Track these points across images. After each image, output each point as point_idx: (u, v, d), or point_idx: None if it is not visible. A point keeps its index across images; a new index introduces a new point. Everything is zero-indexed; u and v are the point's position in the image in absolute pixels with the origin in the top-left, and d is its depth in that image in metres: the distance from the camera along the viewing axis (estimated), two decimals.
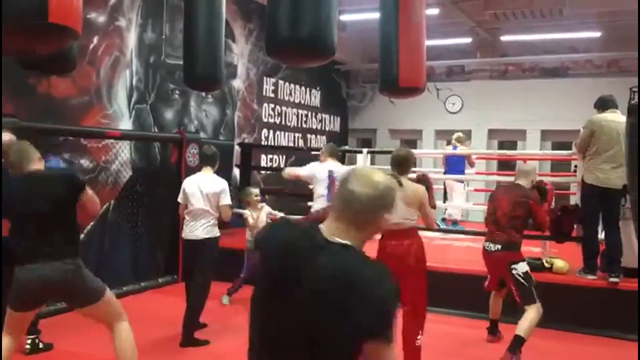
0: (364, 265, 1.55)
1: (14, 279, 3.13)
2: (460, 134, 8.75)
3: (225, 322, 5.11)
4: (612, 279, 5.20)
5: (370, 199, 1.61)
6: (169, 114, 7.49)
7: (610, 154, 5.19)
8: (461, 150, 8.47)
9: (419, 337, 4.01)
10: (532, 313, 4.33)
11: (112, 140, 6.29)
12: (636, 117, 3.35)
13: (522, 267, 4.43)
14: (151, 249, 6.71)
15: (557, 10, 8.28)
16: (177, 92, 7.55)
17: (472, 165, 8.63)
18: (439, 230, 8.06)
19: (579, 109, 8.31)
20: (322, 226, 1.64)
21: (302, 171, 6.05)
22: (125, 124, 6.72)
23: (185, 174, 6.53)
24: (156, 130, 7.22)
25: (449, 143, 9.15)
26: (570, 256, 5.82)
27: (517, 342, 4.26)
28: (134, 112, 6.89)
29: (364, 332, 1.48)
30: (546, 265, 5.60)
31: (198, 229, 4.69)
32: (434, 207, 4.27)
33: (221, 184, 4.75)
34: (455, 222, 8.47)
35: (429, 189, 4.23)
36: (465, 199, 8.72)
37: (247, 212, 5.96)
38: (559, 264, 5.65)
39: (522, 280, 4.39)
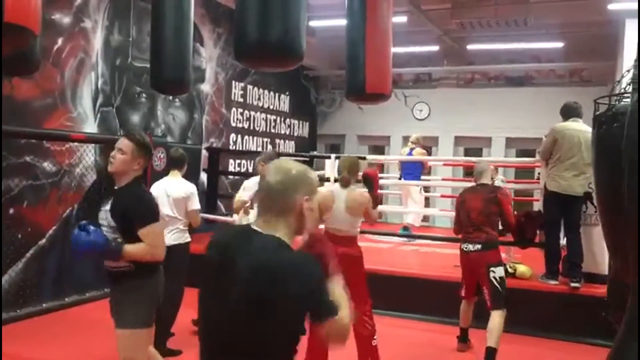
0: (285, 251, 1.69)
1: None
2: (417, 136, 8.70)
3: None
4: (573, 284, 5.31)
5: (281, 183, 1.74)
6: (135, 118, 7.39)
7: (572, 162, 5.32)
8: (417, 153, 8.50)
9: (375, 337, 4.07)
10: (498, 319, 4.39)
11: (76, 144, 6.17)
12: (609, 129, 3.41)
13: (499, 272, 4.50)
14: None
15: (522, 20, 8.45)
16: (144, 95, 7.46)
17: (427, 169, 8.61)
18: (402, 235, 8.12)
19: (543, 117, 8.49)
20: (253, 223, 1.78)
21: (245, 195, 5.28)
22: (90, 127, 6.61)
23: (151, 178, 6.44)
24: (122, 133, 7.10)
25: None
26: (533, 262, 5.94)
27: (491, 355, 4.32)
28: (99, 115, 6.77)
29: (300, 308, 1.64)
30: (510, 270, 5.69)
31: (167, 236, 4.52)
32: (376, 202, 4.29)
33: (189, 189, 4.64)
34: (406, 228, 8.35)
35: (373, 186, 4.29)
36: (422, 204, 8.69)
37: (234, 218, 5.85)
38: (522, 269, 5.75)
39: (497, 284, 4.46)
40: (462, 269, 4.78)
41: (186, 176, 4.84)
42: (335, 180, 4.38)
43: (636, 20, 7.11)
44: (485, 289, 4.52)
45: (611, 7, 7.82)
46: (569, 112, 5.54)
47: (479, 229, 4.58)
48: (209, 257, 1.78)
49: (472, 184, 4.99)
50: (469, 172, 9.84)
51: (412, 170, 8.35)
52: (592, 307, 5.20)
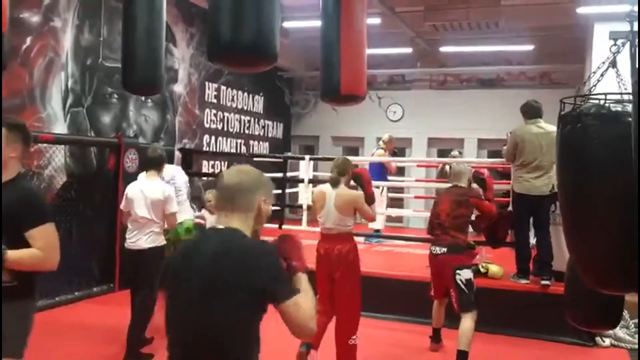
0: (243, 237, 1.85)
1: None
2: (385, 137, 8.69)
3: None
4: (543, 282, 5.40)
5: (240, 184, 1.89)
6: (106, 118, 7.28)
7: (535, 165, 5.41)
8: (377, 154, 8.51)
9: (353, 336, 4.08)
10: (468, 322, 4.41)
11: (45, 145, 6.05)
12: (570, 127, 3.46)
13: (465, 274, 4.49)
14: (86, 257, 6.48)
15: (493, 23, 8.57)
16: (115, 95, 7.36)
17: (391, 172, 8.58)
18: (371, 236, 8.13)
19: (514, 118, 8.53)
20: (215, 224, 1.91)
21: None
22: (60, 127, 6.49)
23: (123, 180, 6.37)
24: (92, 134, 7.00)
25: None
26: (504, 261, 6.01)
27: (462, 358, 4.36)
28: (69, 116, 6.66)
29: (262, 294, 1.75)
30: (482, 270, 5.76)
31: (141, 238, 4.46)
32: (371, 199, 4.37)
33: (167, 191, 4.54)
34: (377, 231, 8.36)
35: (363, 185, 4.36)
36: (383, 207, 8.67)
37: (203, 215, 5.80)
38: (494, 269, 5.82)
39: (463, 287, 4.46)
40: (430, 270, 4.81)
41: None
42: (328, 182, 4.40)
43: (603, 24, 7.26)
44: (452, 292, 4.53)
45: (580, 11, 7.96)
46: (530, 111, 5.61)
47: (446, 232, 4.60)
48: (172, 261, 1.92)
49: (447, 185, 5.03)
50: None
51: (373, 172, 8.41)
52: (560, 305, 5.30)
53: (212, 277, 1.76)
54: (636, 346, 5.11)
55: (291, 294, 1.77)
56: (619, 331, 5.21)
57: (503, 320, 5.41)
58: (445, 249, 4.56)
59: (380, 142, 8.73)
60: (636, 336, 5.26)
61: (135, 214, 4.48)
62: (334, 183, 4.28)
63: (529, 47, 10.23)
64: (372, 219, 4.55)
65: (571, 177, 2.70)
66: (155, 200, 4.47)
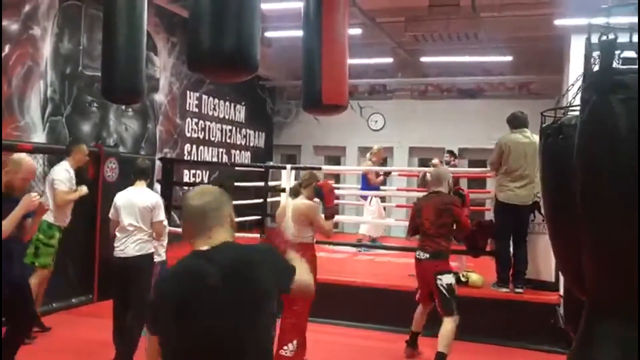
0: (243, 244, 1.94)
1: None
2: (376, 147, 8.83)
3: None
4: (517, 290, 5.51)
5: (214, 202, 1.94)
6: (86, 127, 7.22)
7: (519, 173, 5.47)
8: (365, 164, 8.60)
9: (285, 347, 4.09)
10: (449, 325, 4.48)
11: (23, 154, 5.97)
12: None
13: (446, 279, 4.59)
14: (65, 267, 6.38)
15: (473, 34, 8.66)
16: (95, 104, 7.31)
17: (371, 182, 8.57)
18: (358, 245, 8.17)
19: (493, 128, 8.68)
20: (196, 248, 1.90)
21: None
22: (39, 136, 6.43)
23: (102, 189, 6.32)
24: None
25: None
26: (485, 270, 6.05)
27: (441, 359, 4.38)
28: (47, 125, 6.60)
29: (275, 282, 1.87)
30: (462, 279, 5.79)
31: (129, 246, 4.44)
32: (332, 213, 4.44)
33: (155, 199, 4.56)
34: (374, 240, 8.49)
35: (323, 198, 4.42)
36: (375, 215, 8.74)
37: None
38: (474, 277, 5.85)
39: (445, 292, 4.55)
40: (416, 275, 4.89)
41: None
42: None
43: (580, 36, 7.39)
44: (435, 297, 4.63)
45: (558, 22, 8.10)
46: (516, 121, 5.69)
47: (431, 238, 4.69)
48: (173, 291, 1.83)
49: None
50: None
51: (363, 183, 8.56)
52: (541, 313, 5.35)
53: (237, 284, 1.80)
54: None
55: (294, 271, 1.96)
56: None
57: (483, 328, 5.43)
58: (428, 255, 4.67)
59: (368, 154, 8.81)
60: None
61: (124, 221, 4.47)
62: (293, 194, 4.46)
63: (508, 58, 10.37)
64: (326, 234, 4.54)
65: (554, 186, 2.74)
66: (144, 208, 4.48)
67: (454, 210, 4.68)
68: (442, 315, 4.57)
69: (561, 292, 5.03)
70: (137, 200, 4.50)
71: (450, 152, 9.81)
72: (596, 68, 2.38)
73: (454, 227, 4.76)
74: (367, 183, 8.49)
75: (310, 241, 4.40)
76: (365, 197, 8.56)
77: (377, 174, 8.57)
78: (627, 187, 2.16)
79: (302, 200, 4.43)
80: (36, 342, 4.86)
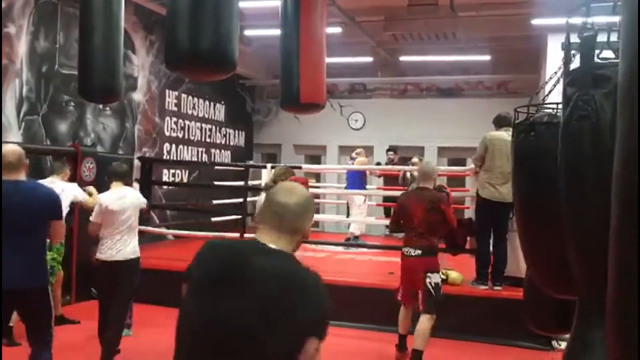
0: (301, 269, 1.75)
1: None
2: (359, 150, 9.03)
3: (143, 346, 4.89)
4: (495, 287, 5.56)
5: (300, 206, 1.82)
6: (62, 127, 7.13)
7: (501, 171, 5.52)
8: (358, 163, 8.69)
9: None
10: (426, 323, 4.48)
11: None
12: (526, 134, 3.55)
13: (435, 278, 4.58)
14: None
15: (451, 34, 8.73)
16: (72, 103, 7.21)
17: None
18: (343, 244, 8.21)
19: (472, 127, 8.77)
20: (258, 238, 1.79)
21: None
22: (14, 136, 6.32)
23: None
24: (48, 143, 6.84)
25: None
26: (463, 268, 6.10)
27: (417, 357, 4.40)
28: (23, 124, 6.50)
29: (306, 331, 1.64)
30: (442, 277, 5.81)
31: (127, 249, 4.41)
32: None
33: (141, 197, 4.60)
34: (356, 237, 8.57)
35: None
36: (365, 213, 8.85)
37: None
38: (454, 275, 5.89)
39: (432, 290, 4.53)
40: (401, 272, 4.82)
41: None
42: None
43: (556, 36, 7.48)
44: (419, 293, 4.59)
45: (534, 22, 8.19)
46: (501, 121, 5.75)
47: (421, 235, 4.64)
48: (210, 261, 1.77)
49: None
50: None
51: (353, 180, 8.57)
52: (519, 310, 5.40)
53: (266, 292, 1.66)
54: None
55: (323, 334, 1.70)
56: None
57: (462, 325, 5.47)
58: (420, 251, 4.61)
59: (354, 154, 8.95)
60: None
61: (120, 224, 4.41)
62: (267, 190, 4.42)
63: (486, 58, 10.46)
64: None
65: (525, 184, 2.76)
66: (137, 206, 4.51)
67: (442, 207, 4.68)
68: (421, 311, 4.54)
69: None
70: (130, 199, 4.47)
71: (392, 150, 9.94)
72: (575, 65, 2.41)
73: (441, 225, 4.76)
74: (362, 181, 8.55)
75: None
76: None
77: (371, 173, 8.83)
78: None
79: None
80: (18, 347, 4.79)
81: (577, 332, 2.45)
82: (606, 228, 2.20)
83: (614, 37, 2.24)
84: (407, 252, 4.71)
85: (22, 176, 3.43)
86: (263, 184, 7.22)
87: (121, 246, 4.41)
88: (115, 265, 4.40)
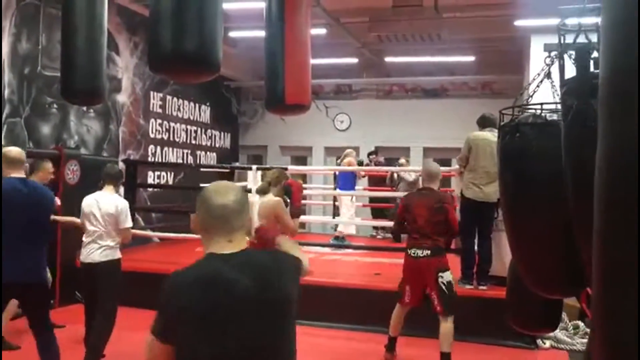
0: (264, 253, 1.95)
1: None
2: (348, 151, 9.05)
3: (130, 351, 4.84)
4: (480, 287, 5.59)
5: (239, 204, 1.80)
6: (45, 129, 7.06)
7: (485, 171, 5.54)
8: (344, 163, 8.71)
9: None
10: (450, 324, 4.48)
11: None
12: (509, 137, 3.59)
13: (447, 276, 4.54)
14: None
15: (436, 35, 8.78)
16: (55, 105, 7.15)
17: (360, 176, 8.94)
18: (330, 245, 8.20)
19: (457, 127, 8.82)
20: (212, 251, 1.76)
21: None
22: None
23: (63, 192, 6.17)
24: (31, 145, 6.76)
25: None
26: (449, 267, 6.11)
27: (448, 359, 4.42)
28: (5, 127, 6.42)
29: (295, 291, 1.80)
30: (453, 281, 5.82)
31: (95, 252, 4.35)
32: (298, 213, 4.44)
33: (121, 204, 4.45)
34: (342, 238, 8.55)
35: (291, 197, 4.41)
36: (353, 212, 8.87)
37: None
38: None
39: (445, 289, 4.49)
40: (407, 275, 4.71)
41: (95, 189, 4.64)
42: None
43: (539, 37, 7.55)
44: (434, 294, 4.52)
45: (518, 23, 8.26)
46: (485, 122, 5.78)
47: (427, 235, 4.58)
48: (197, 299, 1.69)
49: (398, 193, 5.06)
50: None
51: (343, 181, 8.63)
52: (504, 309, 5.43)
53: (269, 299, 1.72)
54: (575, 347, 5.29)
55: (301, 267, 1.94)
56: (559, 333, 5.38)
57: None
58: (428, 252, 4.55)
59: (347, 157, 8.95)
60: (575, 337, 5.45)
61: (89, 226, 4.38)
62: (261, 192, 4.45)
63: (471, 58, 10.53)
64: (291, 232, 4.46)
65: (511, 184, 2.78)
66: (110, 214, 4.39)
67: (446, 208, 4.65)
68: (440, 312, 4.50)
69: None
70: (103, 205, 4.40)
71: (373, 153, 10.02)
72: (567, 70, 2.42)
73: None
74: (352, 182, 8.60)
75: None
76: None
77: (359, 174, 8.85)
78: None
79: (270, 197, 4.41)
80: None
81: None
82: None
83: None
84: (414, 253, 4.62)
85: (23, 175, 3.68)
86: (255, 188, 7.20)
87: (93, 249, 4.37)
88: (90, 267, 4.38)
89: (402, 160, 9.44)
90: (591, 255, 2.33)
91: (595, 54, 2.29)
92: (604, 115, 1.42)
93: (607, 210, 1.39)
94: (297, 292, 1.81)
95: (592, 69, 2.32)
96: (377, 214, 10.03)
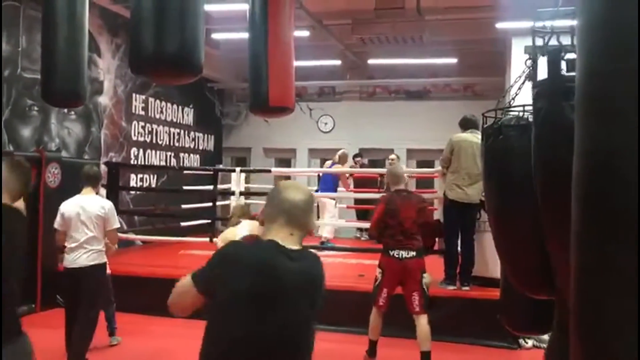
0: (320, 268, 1.98)
1: None
2: (344, 152, 9.12)
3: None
4: (463, 288, 5.63)
5: (306, 204, 1.95)
6: (26, 132, 6.98)
7: (467, 172, 5.59)
8: (336, 168, 8.73)
9: None
10: (426, 321, 4.55)
11: None
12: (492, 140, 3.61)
13: (427, 277, 4.66)
14: (4, 276, 6.15)
15: (418, 37, 8.82)
16: (36, 108, 7.07)
17: (345, 185, 8.93)
18: (314, 248, 8.21)
19: (440, 129, 8.86)
20: (274, 239, 1.90)
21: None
22: None
23: (44, 195, 6.11)
24: (11, 148, 6.68)
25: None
26: (432, 268, 6.13)
27: (428, 358, 4.46)
28: None
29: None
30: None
31: (82, 257, 4.29)
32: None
33: (107, 206, 4.41)
34: (327, 241, 8.57)
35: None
36: (337, 217, 8.90)
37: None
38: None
39: (426, 289, 4.61)
40: (388, 276, 4.68)
41: (78, 193, 4.59)
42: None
43: (520, 39, 7.62)
44: (415, 294, 4.57)
45: (499, 26, 8.33)
46: (467, 123, 5.83)
47: (412, 237, 4.63)
48: (247, 276, 1.83)
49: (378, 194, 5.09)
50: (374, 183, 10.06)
51: (327, 184, 8.65)
52: (487, 310, 5.48)
53: (307, 296, 1.91)
54: None
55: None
56: None
57: (431, 325, 5.50)
58: (414, 253, 4.60)
59: (336, 157, 8.99)
60: None
61: (75, 231, 4.31)
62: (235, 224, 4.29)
63: (453, 60, 10.59)
64: None
65: (495, 186, 2.80)
66: (97, 216, 4.34)
67: (428, 207, 4.74)
68: (418, 313, 4.56)
69: None
70: (88, 208, 4.34)
71: (358, 155, 10.07)
72: (539, 72, 2.45)
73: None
74: (335, 186, 8.64)
75: None
76: (332, 199, 8.68)
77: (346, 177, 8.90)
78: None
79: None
80: None
81: (559, 320, 2.51)
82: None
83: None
84: (398, 255, 4.62)
85: None
86: (238, 192, 7.16)
87: (81, 255, 4.32)
88: (76, 272, 4.32)
89: (393, 156, 9.46)
90: (555, 254, 2.39)
91: (568, 56, 2.32)
92: (581, 117, 1.44)
93: (584, 212, 1.41)
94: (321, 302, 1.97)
95: (565, 71, 2.35)
96: (362, 215, 10.06)
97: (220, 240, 4.42)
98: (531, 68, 2.82)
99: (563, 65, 2.34)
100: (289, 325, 1.86)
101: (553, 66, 2.34)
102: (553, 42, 2.48)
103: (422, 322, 4.52)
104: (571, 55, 2.33)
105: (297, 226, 1.92)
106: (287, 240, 1.90)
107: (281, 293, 1.85)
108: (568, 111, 2.22)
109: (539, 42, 2.60)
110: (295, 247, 1.91)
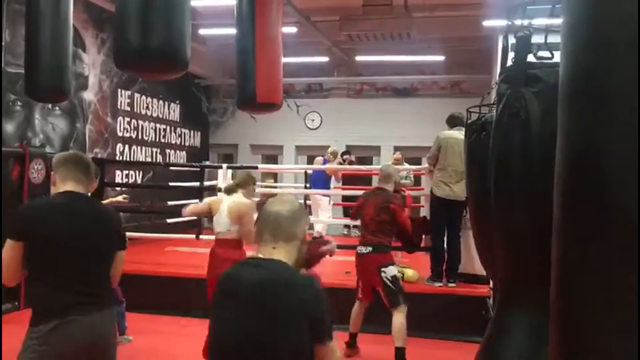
0: (290, 273, 1.87)
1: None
2: (334, 149, 9.13)
3: None
4: (450, 284, 5.66)
5: (291, 213, 1.92)
6: (9, 127, 6.89)
7: (454, 169, 5.61)
8: (329, 165, 8.73)
9: None
10: (400, 317, 4.52)
11: None
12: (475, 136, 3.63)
13: (390, 271, 4.62)
14: None
15: (406, 34, 8.83)
16: (19, 103, 6.98)
17: (337, 178, 8.97)
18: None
19: (427, 126, 8.90)
20: (260, 254, 1.92)
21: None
22: None
23: (28, 191, 6.04)
24: None
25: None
26: (419, 265, 6.17)
27: (401, 354, 4.45)
28: None
29: (314, 331, 1.83)
30: (398, 275, 5.87)
31: None
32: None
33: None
34: (320, 238, 8.58)
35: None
36: (331, 214, 8.90)
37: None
38: (409, 273, 5.96)
39: (390, 284, 4.57)
40: (357, 271, 4.89)
41: None
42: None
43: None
44: (380, 290, 4.62)
45: (486, 23, 8.36)
46: (454, 121, 5.85)
47: (372, 233, 4.71)
48: (219, 290, 1.93)
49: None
50: (364, 180, 10.06)
51: (320, 182, 8.65)
52: (473, 306, 5.51)
53: (257, 302, 1.81)
54: None
55: (329, 336, 1.87)
56: None
57: (418, 322, 5.50)
58: (370, 248, 4.67)
59: (328, 154, 9.00)
60: None
61: None
62: (227, 191, 4.44)
63: (441, 58, 10.62)
64: (249, 239, 4.33)
65: (477, 182, 2.81)
66: None
67: (392, 208, 4.72)
68: (390, 308, 4.57)
69: (491, 284, 5.19)
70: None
71: (347, 153, 10.10)
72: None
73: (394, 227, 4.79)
74: (328, 183, 8.66)
75: (238, 238, 4.35)
76: (327, 196, 8.66)
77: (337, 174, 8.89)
78: (537, 175, 2.25)
79: (240, 198, 4.34)
80: None
81: (495, 317, 2.54)
82: (530, 218, 2.32)
83: (551, 39, 2.32)
84: (359, 250, 4.79)
85: None
86: (223, 186, 7.13)
87: None
88: None
89: (398, 155, 9.47)
90: (504, 241, 2.44)
91: (536, 45, 2.35)
92: (565, 113, 1.44)
93: (567, 209, 1.42)
94: (315, 318, 1.83)
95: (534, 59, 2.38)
96: (349, 213, 10.10)
97: (205, 201, 4.66)
98: (504, 55, 2.83)
99: (536, 57, 2.37)
100: (252, 329, 1.81)
101: (519, 52, 2.36)
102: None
103: (396, 318, 4.53)
104: (540, 40, 2.37)
105: (282, 238, 1.91)
106: (269, 254, 1.90)
107: (242, 299, 1.84)
108: (528, 97, 2.26)
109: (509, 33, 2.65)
110: (274, 257, 1.88)
